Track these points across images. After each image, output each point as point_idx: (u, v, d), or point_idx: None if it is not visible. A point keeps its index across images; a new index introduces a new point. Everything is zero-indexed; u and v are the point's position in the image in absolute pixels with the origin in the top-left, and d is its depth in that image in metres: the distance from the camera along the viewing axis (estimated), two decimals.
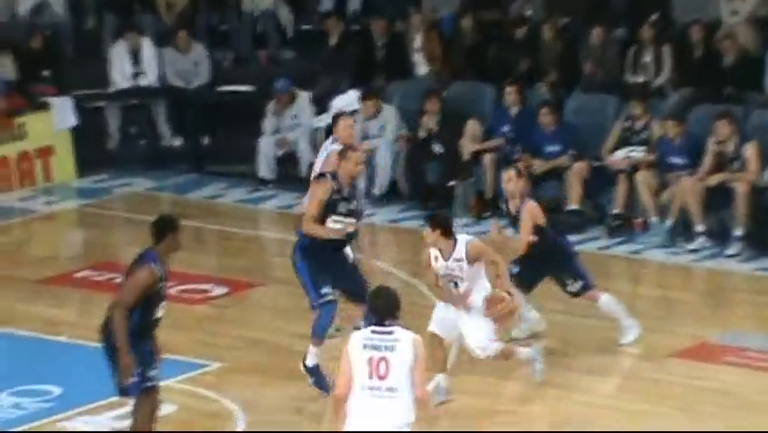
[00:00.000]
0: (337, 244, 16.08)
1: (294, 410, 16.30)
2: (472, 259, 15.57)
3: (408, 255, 20.20)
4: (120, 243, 22.33)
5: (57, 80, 24.51)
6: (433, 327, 15.75)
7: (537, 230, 17.27)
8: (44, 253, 21.98)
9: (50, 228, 23.14)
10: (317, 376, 16.09)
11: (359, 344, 12.24)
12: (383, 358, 12.20)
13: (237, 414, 16.06)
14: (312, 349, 16.14)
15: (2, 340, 18.37)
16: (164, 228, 14.36)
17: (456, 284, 15.89)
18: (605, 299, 17.57)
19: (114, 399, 15.06)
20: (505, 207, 17.71)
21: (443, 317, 15.88)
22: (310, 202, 16.10)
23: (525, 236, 17.12)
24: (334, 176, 15.97)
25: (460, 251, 15.55)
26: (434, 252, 15.58)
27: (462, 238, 15.76)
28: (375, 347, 12.23)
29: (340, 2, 25.05)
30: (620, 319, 17.62)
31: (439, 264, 15.64)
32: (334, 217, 15.87)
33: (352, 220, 16.09)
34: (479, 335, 15.84)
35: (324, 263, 16.03)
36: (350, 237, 16.16)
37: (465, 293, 15.78)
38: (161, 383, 14.31)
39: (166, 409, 15.62)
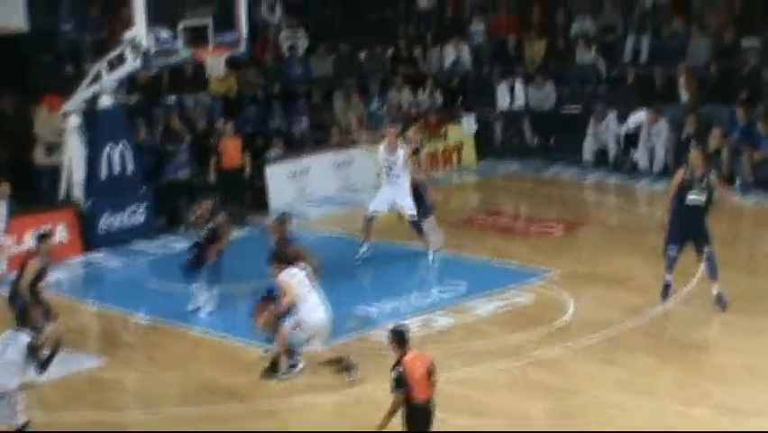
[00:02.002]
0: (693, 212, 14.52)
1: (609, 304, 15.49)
2: None
3: None
4: (501, 201, 22.09)
5: (465, 103, 24.57)
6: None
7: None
8: (457, 205, 21.91)
9: (461, 191, 23.09)
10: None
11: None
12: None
13: (569, 303, 15.68)
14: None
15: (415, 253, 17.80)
16: None
17: None
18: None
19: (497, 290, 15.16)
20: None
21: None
22: (672, 184, 14.79)
23: None
24: (687, 166, 14.68)
25: None
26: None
27: None
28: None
29: (635, 56, 24.34)
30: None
31: None
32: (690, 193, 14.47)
33: (701, 197, 14.45)
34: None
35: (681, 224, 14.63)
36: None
37: None
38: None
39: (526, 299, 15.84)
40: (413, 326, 14.83)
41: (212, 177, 19.89)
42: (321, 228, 19.45)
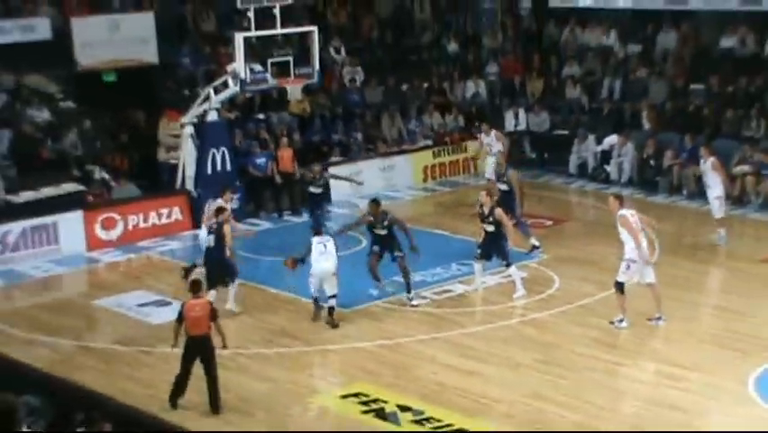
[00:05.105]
0: None
1: None
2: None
3: None
4: None
5: (480, 126, 22.44)
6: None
7: None
8: (473, 202, 18.91)
9: (476, 192, 19.75)
10: None
11: None
12: None
13: (555, 279, 15.22)
14: None
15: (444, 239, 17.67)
16: None
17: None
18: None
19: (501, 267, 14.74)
20: None
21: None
22: None
23: None
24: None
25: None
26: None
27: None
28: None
29: (610, 94, 23.57)
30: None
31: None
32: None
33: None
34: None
35: None
36: None
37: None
38: None
39: (524, 275, 15.49)
40: (435, 292, 14.89)
41: (276, 178, 19.79)
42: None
